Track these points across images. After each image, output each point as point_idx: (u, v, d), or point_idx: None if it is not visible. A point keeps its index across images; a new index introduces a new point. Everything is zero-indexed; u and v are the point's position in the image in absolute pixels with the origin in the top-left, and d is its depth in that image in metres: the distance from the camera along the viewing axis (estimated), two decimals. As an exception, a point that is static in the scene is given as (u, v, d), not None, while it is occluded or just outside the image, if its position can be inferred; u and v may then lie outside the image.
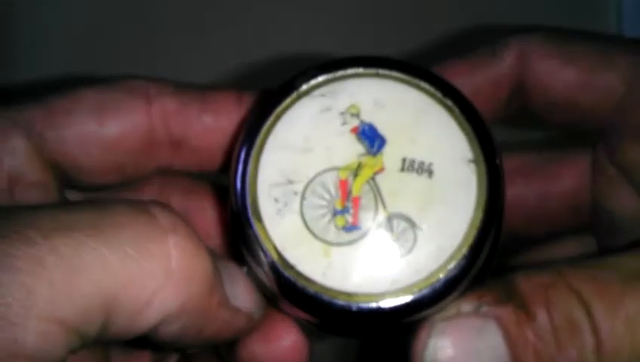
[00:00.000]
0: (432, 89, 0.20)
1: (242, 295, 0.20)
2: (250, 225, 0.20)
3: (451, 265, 0.19)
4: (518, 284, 0.19)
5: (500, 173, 0.20)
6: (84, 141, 0.21)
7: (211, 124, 0.22)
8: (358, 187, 0.20)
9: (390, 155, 0.20)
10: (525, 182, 0.26)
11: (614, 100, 0.24)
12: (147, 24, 0.41)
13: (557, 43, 0.24)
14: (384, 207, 0.20)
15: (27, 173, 0.21)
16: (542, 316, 0.18)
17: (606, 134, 0.25)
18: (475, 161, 0.20)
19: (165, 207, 0.18)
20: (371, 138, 0.20)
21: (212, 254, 0.19)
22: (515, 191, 0.26)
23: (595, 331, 0.18)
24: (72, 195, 0.23)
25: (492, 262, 0.20)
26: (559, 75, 0.24)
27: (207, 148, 0.22)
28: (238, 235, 0.20)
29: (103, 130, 0.21)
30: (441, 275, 0.19)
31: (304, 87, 0.20)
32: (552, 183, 0.26)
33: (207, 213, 0.24)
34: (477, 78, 0.24)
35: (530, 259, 0.27)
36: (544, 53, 0.24)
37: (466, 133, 0.20)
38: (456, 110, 0.20)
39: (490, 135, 0.20)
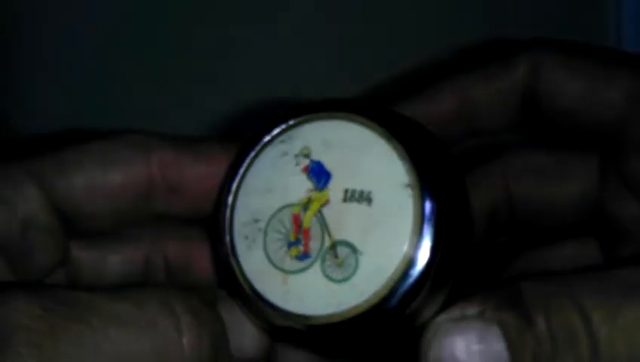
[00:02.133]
0: (373, 124, 0.22)
1: (248, 346, 0.23)
2: (228, 262, 0.23)
3: (392, 286, 0.20)
4: (521, 291, 0.20)
5: (441, 190, 0.21)
6: (91, 189, 0.24)
7: (203, 171, 0.25)
8: (307, 220, 0.22)
9: (334, 188, 0.22)
10: (534, 181, 0.26)
11: (616, 113, 0.24)
12: (135, 71, 0.43)
13: (565, 55, 0.24)
14: (329, 235, 0.21)
15: (38, 218, 0.24)
16: (541, 322, 0.19)
17: (609, 144, 0.24)
18: (411, 185, 0.21)
19: (189, 304, 0.21)
20: (319, 174, 0.22)
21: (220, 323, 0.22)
22: (524, 190, 0.26)
23: (592, 338, 0.18)
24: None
25: (452, 273, 0.21)
26: (566, 87, 0.24)
27: (200, 193, 0.25)
28: (221, 272, 0.23)
29: (107, 179, 0.24)
30: (383, 296, 0.20)
31: (267, 137, 0.23)
32: (561, 184, 0.26)
33: (208, 255, 0.26)
34: (490, 90, 0.25)
35: (531, 261, 0.26)
36: (554, 66, 0.24)
37: (403, 161, 0.21)
38: (394, 140, 0.21)
39: (432, 158, 0.21)
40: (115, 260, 0.26)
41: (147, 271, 0.27)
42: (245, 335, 0.23)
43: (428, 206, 0.21)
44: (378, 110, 0.22)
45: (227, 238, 0.23)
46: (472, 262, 0.23)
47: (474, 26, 0.42)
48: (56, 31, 0.43)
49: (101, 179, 0.25)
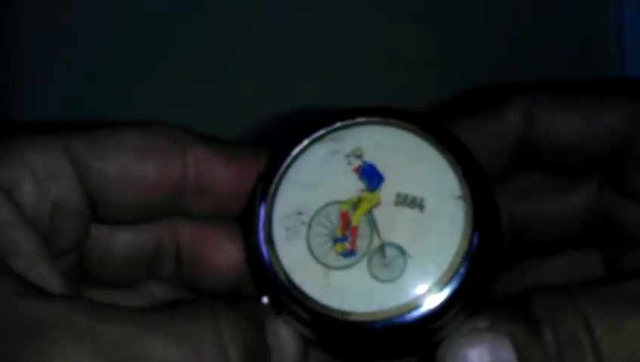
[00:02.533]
0: (427, 134, 0.23)
1: (288, 353, 0.23)
2: (265, 251, 0.23)
3: (437, 291, 0.21)
4: (530, 304, 0.21)
5: (488, 208, 0.22)
6: (125, 178, 0.23)
7: (235, 174, 0.25)
8: (356, 218, 0.22)
9: (386, 191, 0.22)
10: (535, 199, 0.28)
11: (617, 137, 0.25)
12: (137, 70, 0.43)
13: (559, 94, 0.26)
14: (378, 236, 0.22)
15: (69, 202, 0.22)
16: (548, 334, 0.20)
17: (610, 164, 0.26)
18: (462, 197, 0.22)
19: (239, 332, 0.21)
20: (371, 176, 0.23)
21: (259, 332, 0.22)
22: (526, 209, 0.27)
23: (596, 350, 0.20)
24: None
25: (486, 287, 0.22)
26: (564, 122, 0.26)
27: (228, 196, 0.25)
28: (258, 260, 0.23)
29: (143, 170, 0.23)
30: (427, 299, 0.21)
31: (317, 133, 0.24)
32: (563, 198, 0.27)
33: (224, 248, 0.26)
34: (483, 135, 0.26)
35: (530, 271, 0.28)
36: (548, 106, 0.26)
37: (456, 173, 0.22)
38: (448, 153, 0.22)
39: (480, 175, 0.22)
40: (124, 239, 0.25)
41: (156, 256, 0.26)
42: (286, 356, 0.23)
43: (477, 219, 0.22)
44: (430, 122, 0.23)
45: (265, 228, 0.23)
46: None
47: (474, 30, 0.43)
48: (57, 30, 0.42)
49: (136, 169, 0.23)
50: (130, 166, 0.23)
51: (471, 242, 0.21)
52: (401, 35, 0.43)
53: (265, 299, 0.24)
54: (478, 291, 0.22)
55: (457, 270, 0.21)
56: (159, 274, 0.26)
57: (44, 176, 0.22)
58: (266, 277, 0.23)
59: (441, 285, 0.21)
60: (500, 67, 0.43)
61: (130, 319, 0.19)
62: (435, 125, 0.23)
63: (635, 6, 0.42)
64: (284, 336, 0.23)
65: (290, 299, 0.22)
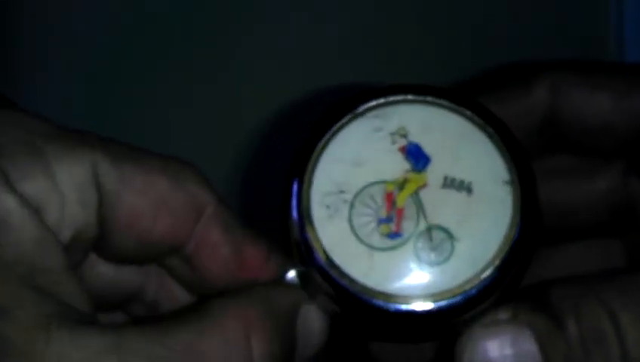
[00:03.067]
0: (474, 116, 0.22)
1: (314, 346, 0.22)
2: (302, 229, 0.22)
3: (484, 275, 0.21)
4: (551, 295, 0.21)
5: (534, 194, 0.22)
6: (133, 224, 0.21)
7: (236, 262, 0.23)
8: (402, 199, 0.22)
9: (433, 173, 0.22)
10: (561, 182, 0.27)
11: None
12: (137, 69, 0.42)
13: (588, 74, 0.25)
14: (425, 218, 0.22)
15: (88, 229, 0.20)
16: (572, 326, 0.20)
17: (638, 150, 0.26)
18: (511, 182, 0.22)
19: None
20: (417, 157, 0.22)
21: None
22: (550, 192, 0.27)
23: (621, 340, 0.20)
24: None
25: (524, 274, 0.22)
26: (592, 102, 0.25)
27: (220, 275, 0.23)
28: (292, 237, 0.22)
29: (154, 224, 0.21)
30: (475, 283, 0.21)
31: (360, 109, 0.23)
32: (588, 181, 0.27)
33: (220, 251, 0.23)
34: (510, 110, 0.26)
35: (556, 261, 0.28)
36: (575, 83, 0.25)
37: (504, 158, 0.22)
38: (496, 136, 0.22)
39: (526, 160, 0.22)
40: (107, 272, 0.23)
41: (132, 298, 0.24)
42: (311, 343, 0.22)
43: (525, 205, 0.21)
44: (477, 104, 0.23)
45: (303, 205, 0.22)
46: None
47: (476, 28, 0.43)
48: (57, 30, 0.41)
49: (148, 220, 0.21)
50: (144, 215, 0.21)
51: (518, 229, 0.21)
52: (401, 35, 0.43)
53: (290, 275, 0.23)
54: (518, 277, 0.22)
55: (505, 256, 0.21)
56: (131, 312, 0.25)
57: (72, 201, 0.20)
58: (302, 255, 0.22)
59: (489, 270, 0.21)
60: (500, 67, 0.44)
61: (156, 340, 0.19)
62: (481, 108, 0.23)
63: (635, 6, 0.43)
64: (313, 322, 0.22)
65: (329, 279, 0.21)
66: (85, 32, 0.41)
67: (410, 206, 0.22)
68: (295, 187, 0.22)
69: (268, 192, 0.27)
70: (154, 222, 0.21)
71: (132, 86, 0.42)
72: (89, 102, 0.42)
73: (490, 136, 0.22)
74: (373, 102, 0.23)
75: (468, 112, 0.22)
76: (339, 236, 0.22)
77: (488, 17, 0.43)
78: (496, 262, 0.21)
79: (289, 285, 0.23)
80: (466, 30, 0.43)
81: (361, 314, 0.22)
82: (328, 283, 0.22)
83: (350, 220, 0.22)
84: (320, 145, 0.23)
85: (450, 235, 0.21)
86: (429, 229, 0.21)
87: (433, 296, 0.21)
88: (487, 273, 0.21)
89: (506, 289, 0.22)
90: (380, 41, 0.44)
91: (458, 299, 0.21)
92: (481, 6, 0.44)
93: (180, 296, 0.24)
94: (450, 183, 0.22)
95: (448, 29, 0.44)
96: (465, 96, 0.23)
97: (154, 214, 0.21)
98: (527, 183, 0.22)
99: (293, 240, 0.22)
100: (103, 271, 0.23)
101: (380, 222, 0.22)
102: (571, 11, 0.43)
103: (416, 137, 0.22)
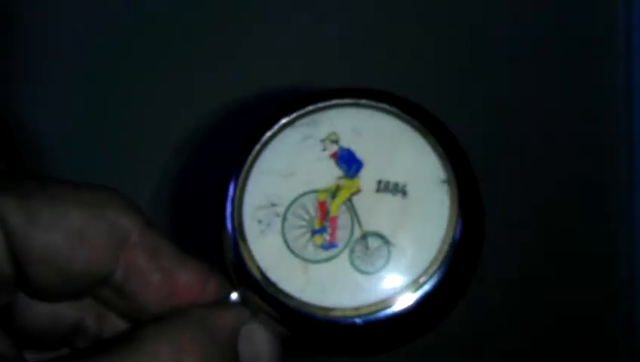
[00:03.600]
0: (407, 116, 0.21)
1: (263, 359, 0.21)
2: (236, 246, 0.21)
3: (424, 280, 0.20)
4: None
5: (473, 192, 0.21)
6: (50, 261, 0.20)
7: (168, 291, 0.22)
8: (335, 208, 0.21)
9: (366, 178, 0.21)
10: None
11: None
12: (137, 60, 0.42)
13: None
14: (360, 225, 0.21)
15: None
16: None
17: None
18: (447, 181, 0.21)
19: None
20: (349, 162, 0.21)
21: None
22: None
23: None
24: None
25: (471, 276, 0.21)
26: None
27: (153, 303, 0.22)
28: (226, 257, 0.21)
29: (71, 259, 0.21)
30: (415, 289, 0.20)
31: (288, 118, 0.22)
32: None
33: (150, 278, 0.22)
34: None
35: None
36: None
37: (440, 156, 0.21)
38: (430, 135, 0.21)
39: (463, 157, 0.21)
40: (43, 311, 0.22)
41: (75, 332, 0.23)
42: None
43: (464, 204, 0.20)
44: (408, 103, 0.22)
45: (235, 221, 0.21)
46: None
47: (476, 28, 0.43)
48: (57, 30, 0.42)
49: (64, 256, 0.20)
50: (59, 249, 0.20)
51: (458, 229, 0.20)
52: (401, 35, 0.43)
53: (234, 296, 0.22)
54: (464, 279, 0.21)
55: (445, 258, 0.20)
56: (75, 346, 0.24)
57: None
58: (238, 274, 0.21)
59: (428, 275, 0.20)
60: (500, 67, 0.43)
61: None
62: (414, 106, 0.22)
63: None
64: (260, 342, 0.21)
65: (267, 297, 0.20)
66: (85, 32, 0.42)
67: (344, 214, 0.21)
68: (227, 203, 0.22)
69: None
70: (71, 255, 0.20)
71: (132, 86, 0.42)
72: (89, 102, 0.42)
73: (424, 135, 0.21)
74: (303, 110, 0.22)
75: (400, 112, 0.22)
76: (273, 251, 0.21)
77: (488, 17, 0.43)
78: (436, 266, 0.20)
79: (229, 305, 0.22)
80: (466, 30, 0.43)
81: (302, 329, 0.21)
82: (266, 301, 0.21)
83: (283, 234, 0.21)
84: (250, 157, 0.22)
85: (386, 241, 0.20)
86: (365, 236, 0.20)
87: (370, 307, 0.20)
88: (427, 277, 0.20)
89: (452, 291, 0.20)
90: (380, 41, 0.44)
91: (398, 307, 0.20)
92: (481, 6, 0.43)
93: (122, 326, 0.23)
94: (384, 187, 0.21)
95: (448, 29, 0.43)
96: (397, 96, 0.22)
97: (70, 247, 0.20)
98: (465, 181, 0.21)
99: (228, 259, 0.21)
100: (37, 310, 0.22)
101: (314, 233, 0.21)
102: (573, 11, 0.43)
103: (347, 142, 0.21)
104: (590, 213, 0.45)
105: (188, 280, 0.22)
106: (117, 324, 0.23)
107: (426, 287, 0.20)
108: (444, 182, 0.21)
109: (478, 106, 0.44)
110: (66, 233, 0.20)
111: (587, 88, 0.45)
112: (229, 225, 0.21)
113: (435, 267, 0.20)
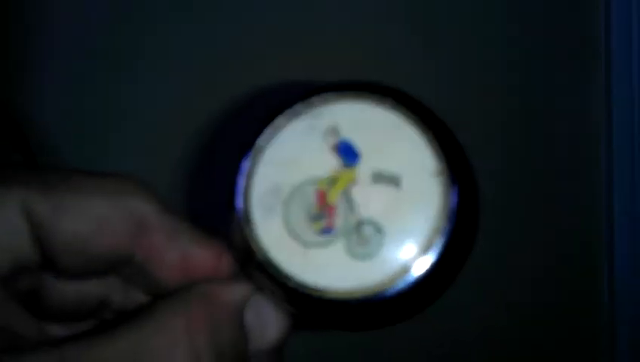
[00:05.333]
0: (403, 109, 0.23)
1: (271, 339, 0.23)
2: (242, 229, 0.23)
3: (414, 267, 0.21)
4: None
5: (466, 184, 0.22)
6: (76, 247, 0.22)
7: (185, 266, 0.23)
8: (333, 196, 0.22)
9: (363, 168, 0.22)
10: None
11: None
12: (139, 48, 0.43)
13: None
14: (355, 213, 0.22)
15: (25, 257, 0.21)
16: None
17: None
18: (440, 173, 0.22)
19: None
20: (347, 153, 0.23)
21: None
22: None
23: None
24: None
25: (462, 264, 0.22)
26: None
27: (173, 282, 0.24)
28: (234, 238, 0.23)
29: (96, 244, 0.22)
30: (405, 276, 0.21)
31: (293, 110, 0.23)
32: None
33: (167, 257, 0.24)
34: None
35: None
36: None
37: (434, 149, 0.22)
38: (425, 128, 0.22)
39: (457, 150, 0.22)
40: (71, 289, 0.24)
41: (101, 307, 0.25)
42: (267, 335, 0.23)
43: (454, 195, 0.22)
44: (406, 97, 0.23)
45: (242, 206, 0.23)
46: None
47: (476, 28, 0.44)
48: (57, 31, 0.43)
49: (90, 242, 0.22)
50: (83, 237, 0.22)
51: (448, 218, 0.21)
52: (401, 35, 0.43)
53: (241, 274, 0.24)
54: (452, 268, 0.22)
55: (432, 247, 0.21)
56: (103, 318, 0.26)
57: (1, 233, 0.21)
58: (244, 254, 0.23)
59: (418, 262, 0.21)
60: (500, 67, 0.44)
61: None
62: (411, 100, 0.23)
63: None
64: (265, 313, 0.23)
65: (269, 276, 0.22)
66: (85, 32, 0.43)
67: (342, 202, 0.22)
68: (236, 190, 0.23)
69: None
70: (95, 241, 0.22)
71: (132, 86, 0.44)
72: (89, 101, 0.44)
73: (418, 128, 0.22)
74: (306, 103, 0.23)
75: (397, 105, 0.23)
76: (275, 235, 0.22)
77: (488, 17, 0.43)
78: (427, 253, 0.21)
79: (237, 280, 0.24)
80: (466, 30, 0.43)
81: (300, 307, 0.22)
82: (269, 280, 0.22)
83: (285, 218, 0.22)
84: (258, 147, 0.23)
85: (379, 229, 0.22)
86: (359, 224, 0.22)
87: (364, 290, 0.21)
88: (418, 265, 0.21)
89: (442, 278, 0.22)
90: (380, 41, 0.44)
91: (387, 292, 0.21)
92: (481, 6, 0.43)
93: (145, 299, 0.26)
94: (379, 178, 0.22)
95: (448, 28, 0.43)
96: (395, 89, 0.23)
97: (94, 234, 0.22)
98: (457, 174, 0.22)
99: (236, 240, 0.23)
100: (64, 289, 0.24)
101: (313, 219, 0.22)
102: (567, 11, 0.43)
103: (347, 134, 0.23)
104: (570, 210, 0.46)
105: (203, 257, 0.24)
106: (141, 298, 0.26)
107: (416, 274, 0.21)
108: (436, 173, 0.22)
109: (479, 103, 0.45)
110: (90, 221, 0.22)
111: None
112: (237, 210, 0.23)
113: (424, 255, 0.21)
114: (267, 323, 0.23)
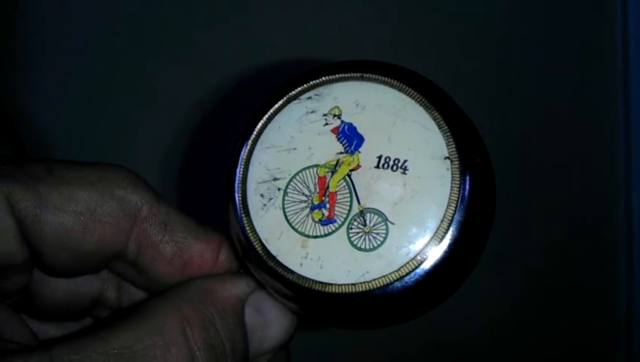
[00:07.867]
0: (411, 90, 0.21)
1: (275, 337, 0.22)
2: (240, 220, 0.21)
3: (422, 259, 0.19)
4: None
5: (478, 169, 0.20)
6: (63, 243, 0.21)
7: (179, 258, 0.22)
8: (334, 183, 0.21)
9: (367, 153, 0.21)
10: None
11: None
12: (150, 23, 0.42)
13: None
14: (358, 202, 0.20)
15: (12, 255, 0.21)
16: None
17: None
18: (450, 158, 0.20)
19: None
20: (350, 137, 0.21)
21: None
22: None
23: None
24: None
25: (477, 256, 0.20)
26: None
27: (165, 274, 0.23)
28: (232, 230, 0.22)
29: (83, 240, 0.21)
30: (414, 269, 0.19)
31: (293, 92, 0.22)
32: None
33: (162, 250, 0.23)
34: None
35: None
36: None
37: (444, 132, 0.20)
38: (435, 109, 0.21)
39: (469, 133, 0.20)
40: (61, 286, 0.23)
41: (94, 304, 0.24)
42: (270, 333, 0.22)
43: (466, 182, 0.20)
44: (414, 75, 0.21)
45: (239, 195, 0.21)
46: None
47: (476, 28, 0.43)
48: (57, 31, 0.43)
49: (77, 237, 0.21)
50: (70, 229, 0.21)
51: (462, 206, 0.20)
52: (401, 35, 0.42)
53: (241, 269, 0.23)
54: (465, 261, 0.20)
55: (444, 238, 0.19)
56: (98, 316, 0.25)
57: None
58: (242, 246, 0.21)
59: (426, 254, 0.19)
60: (499, 67, 0.42)
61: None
62: (419, 79, 0.21)
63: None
64: (267, 310, 0.22)
65: (268, 270, 0.21)
66: (84, 32, 0.42)
67: (344, 189, 0.21)
68: (233, 178, 0.22)
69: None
70: (83, 234, 0.21)
71: (131, 86, 0.43)
72: (89, 101, 0.43)
73: (428, 110, 0.21)
74: (307, 84, 0.22)
75: (404, 86, 0.21)
76: (274, 225, 0.21)
77: (488, 17, 0.42)
78: (435, 244, 0.19)
79: (235, 275, 0.22)
80: (466, 30, 0.42)
81: (302, 303, 0.21)
82: (268, 274, 0.21)
83: (284, 208, 0.21)
84: (254, 132, 0.22)
85: (384, 218, 0.20)
86: (363, 213, 0.20)
87: (368, 284, 0.20)
88: (425, 256, 0.19)
89: (456, 269, 0.20)
90: (379, 41, 0.43)
91: (394, 286, 0.20)
92: (481, 6, 0.42)
93: (141, 296, 0.24)
94: (384, 163, 0.20)
95: (448, 28, 0.42)
96: (401, 68, 0.21)
97: (81, 227, 0.21)
98: (470, 157, 0.20)
99: (234, 232, 0.22)
100: (55, 286, 0.23)
101: (313, 208, 0.21)
102: (574, 11, 0.42)
103: (350, 117, 0.21)
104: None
105: (199, 250, 0.22)
106: (136, 294, 0.24)
107: (426, 267, 0.19)
108: (446, 158, 0.20)
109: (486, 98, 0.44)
110: (76, 214, 0.21)
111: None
112: (234, 200, 0.21)
113: (434, 247, 0.19)
114: (269, 321, 0.22)
